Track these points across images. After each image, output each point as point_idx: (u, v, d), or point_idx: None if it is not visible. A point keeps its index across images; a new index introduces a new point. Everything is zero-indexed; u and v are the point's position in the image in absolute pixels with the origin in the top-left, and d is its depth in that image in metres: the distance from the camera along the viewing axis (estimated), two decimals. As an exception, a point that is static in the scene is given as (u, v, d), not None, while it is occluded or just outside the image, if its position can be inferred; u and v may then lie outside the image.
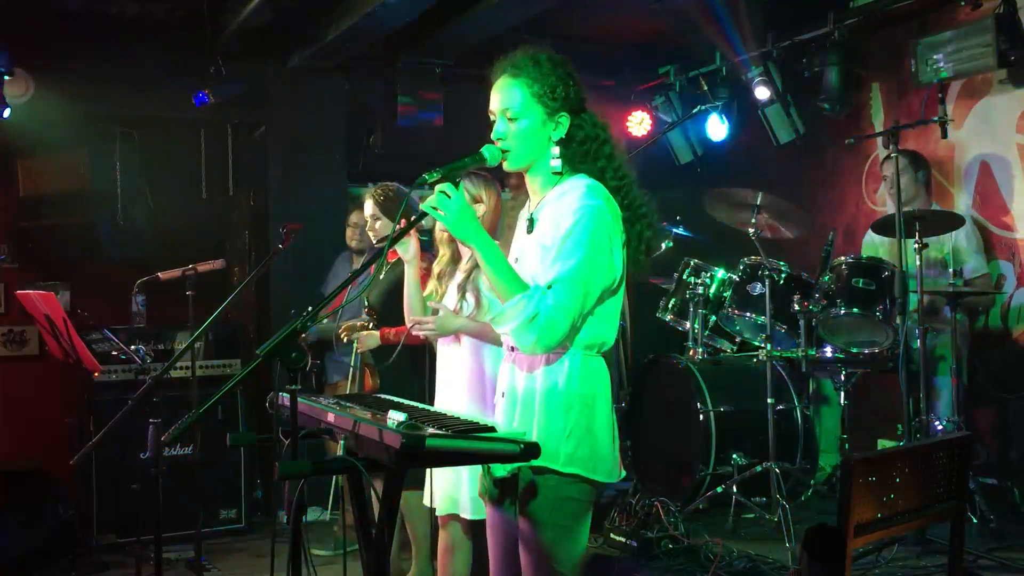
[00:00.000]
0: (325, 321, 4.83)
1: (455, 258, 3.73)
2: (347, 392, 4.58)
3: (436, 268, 3.79)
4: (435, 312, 3.56)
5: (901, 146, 5.05)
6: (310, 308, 2.35)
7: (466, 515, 3.50)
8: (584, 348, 2.49)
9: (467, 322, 3.53)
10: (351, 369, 4.58)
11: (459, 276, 3.66)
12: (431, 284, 3.78)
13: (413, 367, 4.15)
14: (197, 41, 6.04)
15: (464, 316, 3.54)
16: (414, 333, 3.66)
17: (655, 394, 5.93)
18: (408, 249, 3.56)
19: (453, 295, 3.64)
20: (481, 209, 3.62)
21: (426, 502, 3.68)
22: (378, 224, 4.38)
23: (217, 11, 5.90)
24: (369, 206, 4.38)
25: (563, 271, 2.40)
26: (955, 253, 5.48)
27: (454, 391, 3.62)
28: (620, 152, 2.61)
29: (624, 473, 2.63)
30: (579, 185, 2.50)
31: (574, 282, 2.39)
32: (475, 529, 3.56)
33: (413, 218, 2.72)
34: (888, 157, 5.51)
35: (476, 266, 3.53)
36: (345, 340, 4.36)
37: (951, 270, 5.08)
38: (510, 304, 2.41)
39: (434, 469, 3.38)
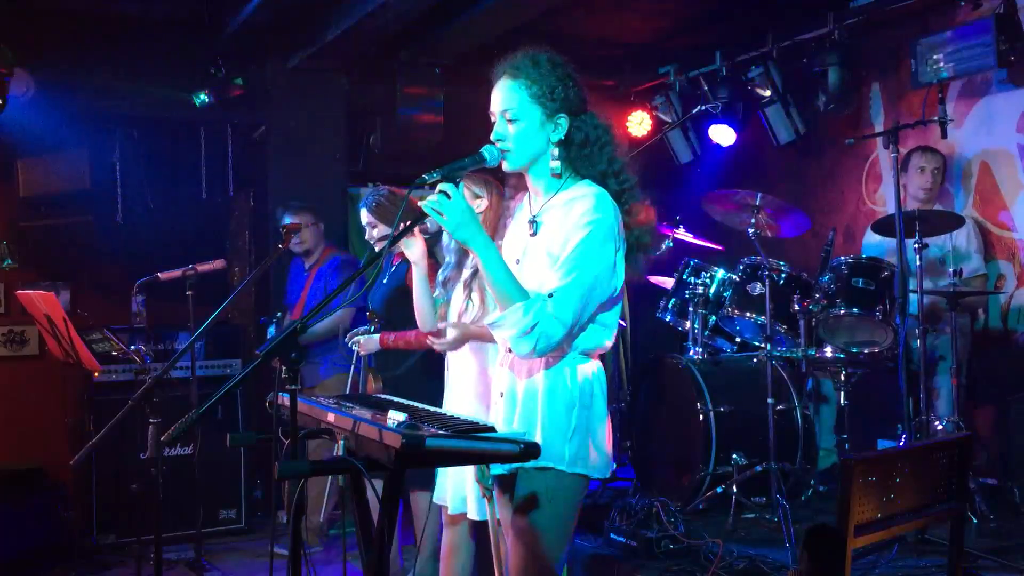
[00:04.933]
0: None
1: (460, 265, 3.70)
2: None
3: (440, 275, 3.77)
4: (443, 330, 3.53)
5: (901, 146, 5.05)
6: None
7: (473, 516, 3.50)
8: (583, 352, 2.53)
9: (477, 330, 3.49)
10: (352, 372, 4.58)
11: (466, 273, 3.64)
12: (437, 290, 3.76)
13: (426, 370, 4.15)
14: (197, 41, 6.04)
15: (469, 319, 3.53)
16: (435, 348, 3.63)
17: (655, 394, 5.93)
18: (414, 251, 3.49)
19: (460, 294, 3.63)
20: (483, 205, 3.61)
21: (437, 500, 3.68)
22: (375, 231, 4.33)
23: (217, 11, 5.90)
24: (364, 214, 4.35)
25: (566, 282, 2.42)
26: (955, 253, 5.48)
27: (460, 392, 3.62)
28: (622, 155, 2.61)
29: (614, 466, 2.66)
30: (588, 194, 2.51)
31: (575, 294, 2.42)
32: (478, 530, 3.57)
33: (411, 220, 2.72)
34: (918, 151, 5.51)
35: None
36: (349, 344, 4.36)
37: (951, 270, 5.08)
38: (510, 311, 2.43)
39: (448, 468, 3.39)
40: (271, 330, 5.42)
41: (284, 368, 2.24)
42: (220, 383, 5.22)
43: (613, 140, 2.60)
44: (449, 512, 3.64)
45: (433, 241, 3.86)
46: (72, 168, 6.08)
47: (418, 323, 3.68)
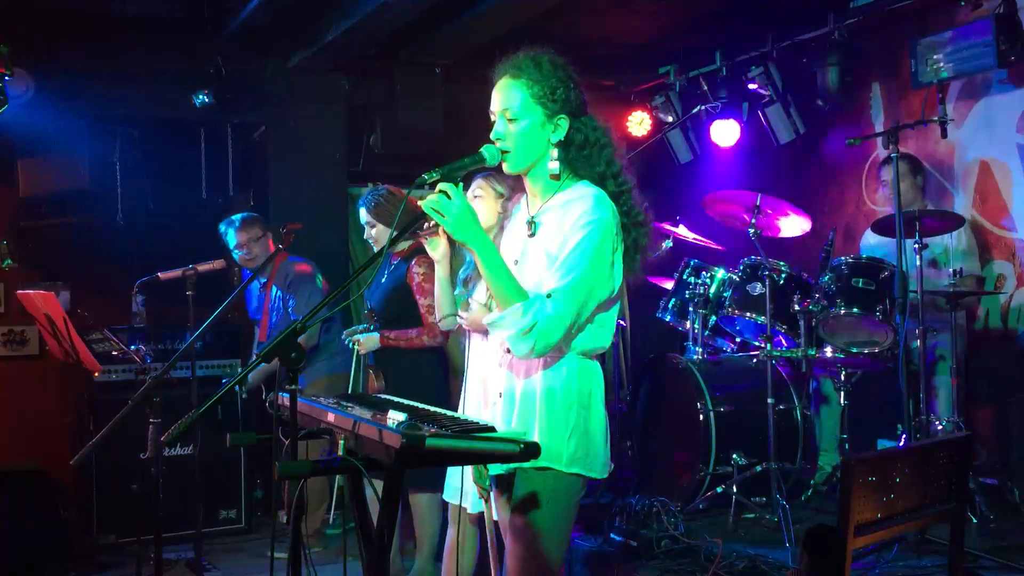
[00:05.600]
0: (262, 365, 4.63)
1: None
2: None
3: (461, 274, 3.74)
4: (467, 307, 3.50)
5: (901, 146, 5.05)
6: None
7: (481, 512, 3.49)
8: (581, 352, 2.54)
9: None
10: (353, 372, 4.58)
11: None
12: (458, 289, 3.73)
13: (432, 370, 4.13)
14: (197, 41, 6.04)
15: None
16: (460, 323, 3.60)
17: (655, 394, 5.93)
18: (437, 248, 3.39)
19: (483, 292, 3.62)
20: (507, 205, 3.59)
21: (447, 498, 3.66)
22: (374, 231, 4.31)
23: (217, 11, 5.90)
24: (363, 214, 4.33)
25: (564, 283, 2.43)
26: (949, 253, 5.48)
27: (485, 387, 3.58)
28: (620, 157, 2.61)
29: (612, 466, 2.66)
30: (586, 195, 2.51)
31: (573, 295, 2.42)
32: (480, 529, 3.56)
33: (410, 220, 2.72)
34: (887, 161, 5.52)
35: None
36: (348, 343, 4.35)
37: (950, 270, 5.08)
38: (509, 312, 2.43)
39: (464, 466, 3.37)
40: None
41: (282, 369, 2.24)
42: (220, 383, 5.24)
43: (612, 142, 2.61)
44: (469, 511, 3.62)
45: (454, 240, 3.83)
46: (72, 168, 6.07)
47: (437, 318, 3.67)
